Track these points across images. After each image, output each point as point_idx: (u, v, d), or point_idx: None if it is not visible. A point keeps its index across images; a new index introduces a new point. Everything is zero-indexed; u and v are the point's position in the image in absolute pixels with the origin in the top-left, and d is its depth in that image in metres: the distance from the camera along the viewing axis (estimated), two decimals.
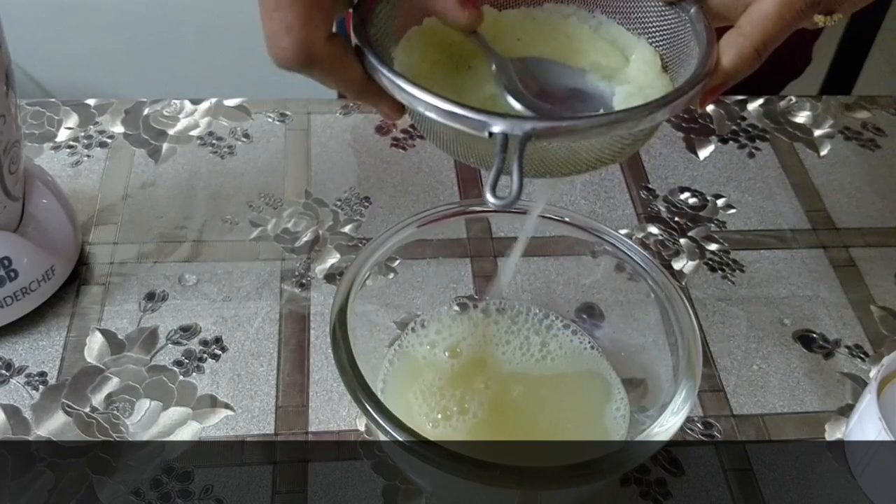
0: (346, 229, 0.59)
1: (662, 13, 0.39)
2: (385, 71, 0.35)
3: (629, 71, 0.40)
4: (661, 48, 0.40)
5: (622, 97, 0.38)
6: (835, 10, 0.38)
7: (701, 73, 0.36)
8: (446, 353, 0.49)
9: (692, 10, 0.38)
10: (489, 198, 0.31)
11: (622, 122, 0.34)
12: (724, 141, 0.67)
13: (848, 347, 0.55)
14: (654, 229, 0.61)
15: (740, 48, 0.36)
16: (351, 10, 0.38)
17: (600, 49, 0.41)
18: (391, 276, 0.50)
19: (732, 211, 0.63)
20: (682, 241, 0.60)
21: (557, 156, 0.36)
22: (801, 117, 0.70)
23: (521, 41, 0.40)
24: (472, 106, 0.33)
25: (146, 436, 0.47)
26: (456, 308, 0.52)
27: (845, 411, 0.51)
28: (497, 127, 0.32)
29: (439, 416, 0.46)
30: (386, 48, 0.39)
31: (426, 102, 0.33)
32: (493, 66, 0.37)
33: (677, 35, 0.39)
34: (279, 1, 0.34)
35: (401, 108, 0.38)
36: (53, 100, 0.67)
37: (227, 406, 0.49)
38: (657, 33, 0.40)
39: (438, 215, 0.49)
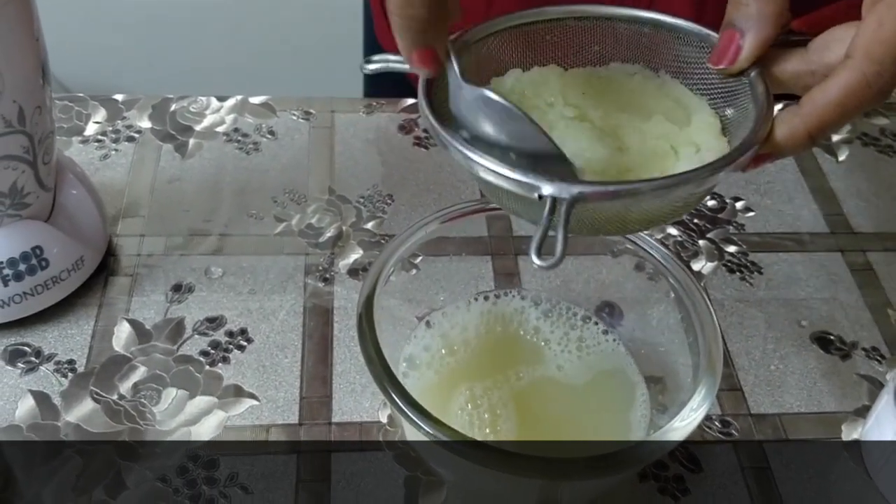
0: (369, 226, 0.60)
1: (723, 78, 0.39)
2: (441, 131, 0.35)
3: (690, 131, 0.40)
4: (720, 109, 0.40)
5: (683, 157, 0.39)
6: None
7: (752, 139, 0.35)
8: (471, 344, 0.50)
9: (752, 74, 0.37)
10: (535, 259, 0.31)
11: (668, 187, 0.33)
12: None
13: (865, 350, 0.55)
14: (673, 231, 0.61)
15: (794, 128, 0.35)
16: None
17: (665, 106, 0.40)
18: (413, 272, 0.51)
19: (751, 214, 0.63)
20: (701, 242, 0.61)
21: (607, 216, 0.37)
22: None
23: (587, 94, 0.41)
24: (523, 169, 0.33)
25: (173, 424, 0.48)
26: (482, 299, 0.52)
27: (862, 412, 0.52)
28: (546, 190, 0.32)
29: (469, 405, 0.47)
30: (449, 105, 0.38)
31: (482, 165, 0.34)
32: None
33: (737, 98, 0.39)
34: None
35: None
36: (82, 94, 0.68)
37: (252, 396, 0.50)
38: (718, 96, 0.40)
39: (461, 212, 0.50)
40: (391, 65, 0.39)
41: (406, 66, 0.38)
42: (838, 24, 0.36)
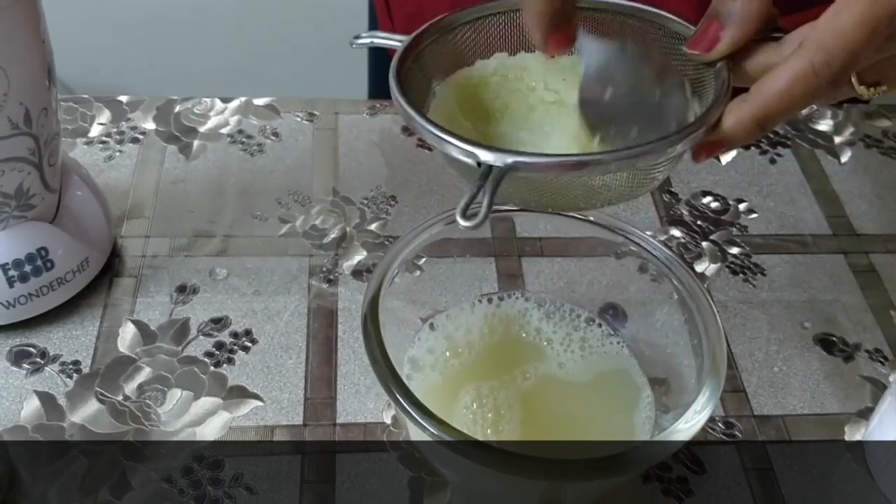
0: (373, 227, 0.60)
1: (698, 68, 0.39)
2: (401, 99, 0.37)
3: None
4: (692, 99, 0.40)
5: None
6: (881, 82, 0.37)
7: (698, 123, 0.35)
8: (475, 346, 0.50)
9: (719, 65, 0.38)
10: (459, 219, 0.33)
11: (600, 163, 0.34)
12: (746, 147, 0.68)
13: (868, 351, 0.55)
14: (676, 232, 0.62)
15: (741, 115, 0.35)
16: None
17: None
18: (417, 273, 0.51)
19: (754, 215, 0.63)
20: (704, 244, 0.61)
21: (551, 188, 0.38)
22: (823, 125, 0.71)
23: (568, 81, 0.42)
24: (462, 137, 0.35)
25: (178, 424, 0.48)
26: (486, 301, 0.52)
27: (865, 414, 0.52)
28: (483, 157, 0.34)
29: (474, 405, 0.47)
30: (430, 85, 0.40)
31: (433, 134, 0.36)
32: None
33: (705, 89, 0.39)
34: None
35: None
36: (86, 96, 0.68)
37: (256, 397, 0.50)
38: (696, 84, 0.40)
39: None
40: (377, 41, 0.41)
41: (391, 42, 0.40)
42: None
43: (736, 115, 0.36)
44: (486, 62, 0.42)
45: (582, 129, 0.41)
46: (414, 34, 0.40)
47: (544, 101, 0.41)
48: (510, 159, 0.34)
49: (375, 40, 0.41)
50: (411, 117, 0.37)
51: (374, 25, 0.82)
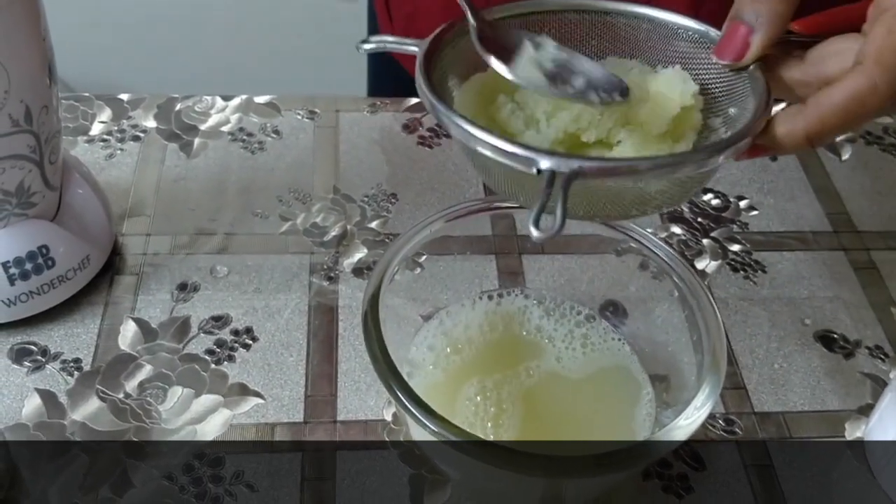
0: (374, 225, 0.60)
1: (721, 71, 0.39)
2: (439, 106, 0.35)
3: (658, 79, 0.40)
4: (719, 104, 0.40)
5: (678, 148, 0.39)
6: None
7: (751, 127, 0.35)
8: (476, 343, 0.50)
9: (751, 68, 0.37)
10: (533, 231, 0.31)
11: (667, 166, 0.34)
12: None
13: (868, 348, 0.55)
14: (677, 229, 0.62)
15: (794, 127, 0.35)
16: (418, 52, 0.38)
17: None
18: (418, 270, 0.51)
19: (755, 212, 0.63)
20: (704, 241, 0.61)
21: (604, 196, 0.37)
22: None
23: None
24: (521, 143, 0.33)
25: (178, 422, 0.48)
26: (486, 298, 0.52)
27: (865, 411, 0.52)
28: (544, 164, 0.32)
29: (477, 399, 0.47)
30: (448, 90, 0.39)
31: (478, 138, 0.34)
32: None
33: (735, 92, 0.39)
34: None
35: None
36: (87, 94, 0.68)
37: (257, 394, 0.50)
38: (717, 91, 0.40)
39: (465, 210, 0.50)
40: (388, 45, 0.40)
41: (401, 47, 0.39)
42: (836, 35, 0.36)
43: (789, 125, 0.35)
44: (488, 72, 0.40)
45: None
46: (430, 38, 0.39)
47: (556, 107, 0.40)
48: (576, 164, 0.32)
49: (387, 45, 0.40)
50: (457, 125, 0.35)
51: (373, 24, 0.82)
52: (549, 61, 0.38)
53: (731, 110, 0.39)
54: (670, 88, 0.39)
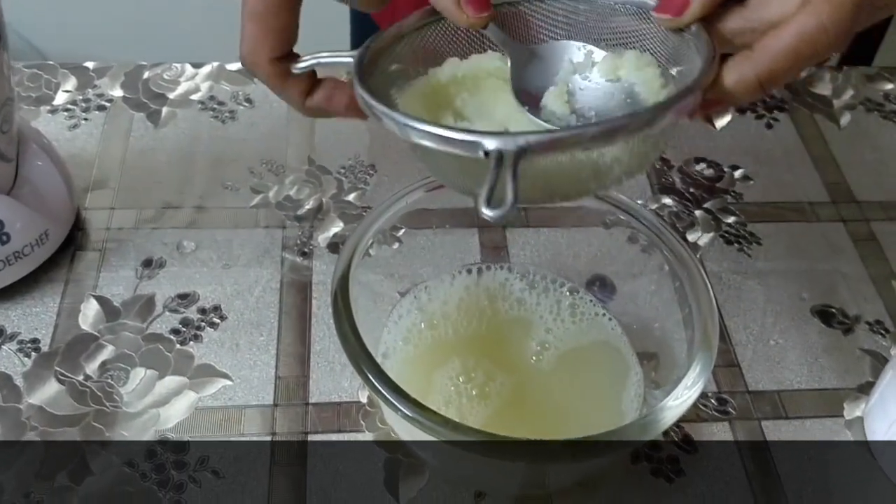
0: (351, 197, 0.58)
1: (665, 38, 0.38)
2: (376, 104, 0.35)
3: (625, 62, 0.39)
4: (667, 69, 0.38)
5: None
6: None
7: (699, 82, 0.34)
8: (456, 320, 0.47)
9: (693, 28, 0.36)
10: (485, 210, 0.30)
11: (613, 129, 0.32)
12: (741, 111, 0.65)
13: (868, 323, 0.53)
14: (668, 200, 0.59)
15: (743, 74, 0.34)
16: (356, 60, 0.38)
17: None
18: (396, 245, 0.49)
19: (750, 182, 0.61)
20: (697, 212, 0.58)
21: (558, 173, 0.35)
22: (821, 88, 0.68)
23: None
24: (463, 127, 0.33)
25: (140, 405, 0.46)
26: (465, 273, 0.50)
27: (865, 389, 0.49)
28: (490, 144, 0.31)
29: (459, 380, 0.45)
30: (388, 94, 0.38)
31: (421, 130, 0.33)
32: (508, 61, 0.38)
33: (682, 56, 0.38)
34: (243, 12, 0.38)
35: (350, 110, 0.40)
36: (51, 62, 0.65)
37: (224, 376, 0.48)
38: (663, 58, 0.38)
39: None
40: (322, 61, 0.39)
41: (335, 60, 0.39)
42: None
43: (738, 72, 0.34)
44: (439, 69, 0.40)
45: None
46: (362, 48, 0.39)
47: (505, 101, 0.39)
48: (522, 140, 0.31)
49: (321, 61, 0.39)
50: (395, 119, 0.34)
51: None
52: (581, 87, 0.38)
53: (680, 71, 0.38)
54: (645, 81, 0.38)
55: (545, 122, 0.37)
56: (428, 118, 0.37)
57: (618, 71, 0.38)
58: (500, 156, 0.31)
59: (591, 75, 0.39)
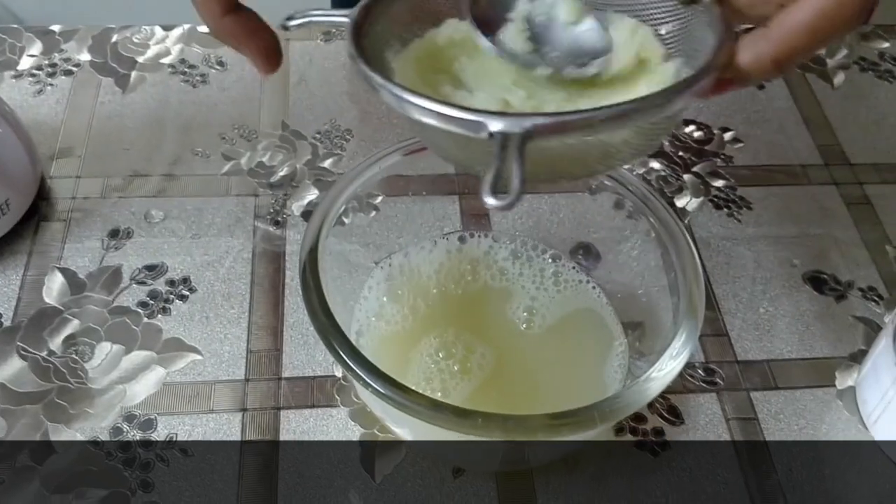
0: (326, 164, 0.55)
1: (675, 11, 0.36)
2: (375, 76, 0.32)
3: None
4: (678, 44, 0.37)
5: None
6: None
7: (713, 63, 0.32)
8: (435, 291, 0.46)
9: (706, 1, 0.34)
10: (488, 199, 0.28)
11: (625, 114, 0.30)
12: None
13: (861, 290, 0.51)
14: (655, 164, 0.57)
15: (759, 53, 0.32)
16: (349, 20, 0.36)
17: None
18: (372, 213, 0.47)
19: (740, 145, 0.59)
20: (685, 176, 0.57)
21: (565, 154, 0.34)
22: None
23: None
24: (468, 107, 0.30)
25: (106, 381, 0.44)
26: (445, 240, 0.48)
27: (858, 357, 0.48)
28: (494, 126, 0.30)
29: (438, 355, 0.43)
30: (383, 58, 0.36)
31: (420, 107, 0.31)
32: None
33: (692, 31, 0.36)
34: None
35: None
36: (16, 26, 0.63)
37: (194, 350, 0.46)
38: (673, 31, 0.37)
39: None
40: (315, 19, 0.37)
41: (329, 19, 0.37)
42: None
43: (754, 52, 0.32)
44: (437, 30, 0.38)
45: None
46: (357, 8, 0.36)
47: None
48: (528, 123, 0.29)
49: (312, 19, 0.37)
50: (393, 92, 0.31)
51: None
52: (539, 18, 0.36)
53: (691, 49, 0.36)
54: (625, 42, 0.37)
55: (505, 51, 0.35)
56: (424, 84, 0.36)
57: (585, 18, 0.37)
58: (505, 138, 0.29)
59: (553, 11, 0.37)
